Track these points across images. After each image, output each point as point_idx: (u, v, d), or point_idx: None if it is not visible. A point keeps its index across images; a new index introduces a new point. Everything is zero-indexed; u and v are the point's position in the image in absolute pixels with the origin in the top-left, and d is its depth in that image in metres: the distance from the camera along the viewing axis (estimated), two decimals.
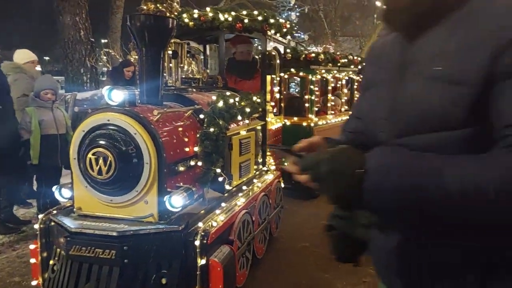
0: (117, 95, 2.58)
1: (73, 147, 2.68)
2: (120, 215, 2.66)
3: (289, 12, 12.24)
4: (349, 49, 20.65)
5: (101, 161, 2.51)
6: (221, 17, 4.08)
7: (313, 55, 5.57)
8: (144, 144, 2.56)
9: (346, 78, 6.72)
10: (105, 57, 8.88)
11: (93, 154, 2.53)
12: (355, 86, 7.18)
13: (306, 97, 5.84)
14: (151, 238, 2.52)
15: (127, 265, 2.48)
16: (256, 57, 5.16)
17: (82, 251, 2.50)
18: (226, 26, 4.11)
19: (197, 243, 2.53)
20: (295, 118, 5.72)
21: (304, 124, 5.73)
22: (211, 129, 3.00)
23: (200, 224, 2.66)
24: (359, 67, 6.95)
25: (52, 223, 2.75)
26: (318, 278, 3.76)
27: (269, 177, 4.25)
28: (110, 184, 2.56)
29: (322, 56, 5.61)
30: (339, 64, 6.16)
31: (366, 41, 21.35)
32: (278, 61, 4.38)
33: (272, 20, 4.10)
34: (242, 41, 4.96)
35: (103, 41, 11.72)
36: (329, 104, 6.17)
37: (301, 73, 5.86)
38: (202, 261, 2.55)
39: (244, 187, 3.61)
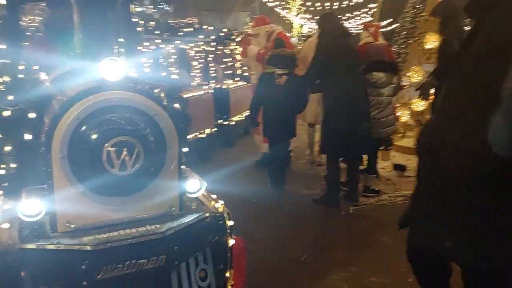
0: (115, 69, 2.05)
1: (60, 143, 1.96)
2: (134, 216, 2.16)
3: None
4: (212, 22, 20.89)
5: (124, 152, 1.98)
6: None
7: (141, 22, 5.06)
8: (166, 126, 2.16)
9: (197, 49, 6.33)
10: None
11: (112, 146, 1.96)
12: (209, 58, 6.73)
13: None
14: (193, 231, 2.21)
15: (177, 267, 2.13)
16: None
17: (117, 270, 1.95)
18: None
19: (230, 223, 2.39)
20: None
21: None
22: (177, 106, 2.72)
23: (218, 205, 2.48)
24: (213, 37, 6.49)
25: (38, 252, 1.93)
26: None
27: None
28: (130, 180, 2.05)
29: (153, 23, 5.16)
30: (180, 33, 5.70)
31: (227, 15, 23.00)
32: (142, 29, 3.97)
33: None
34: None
35: None
36: None
37: None
38: (231, 242, 2.44)
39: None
